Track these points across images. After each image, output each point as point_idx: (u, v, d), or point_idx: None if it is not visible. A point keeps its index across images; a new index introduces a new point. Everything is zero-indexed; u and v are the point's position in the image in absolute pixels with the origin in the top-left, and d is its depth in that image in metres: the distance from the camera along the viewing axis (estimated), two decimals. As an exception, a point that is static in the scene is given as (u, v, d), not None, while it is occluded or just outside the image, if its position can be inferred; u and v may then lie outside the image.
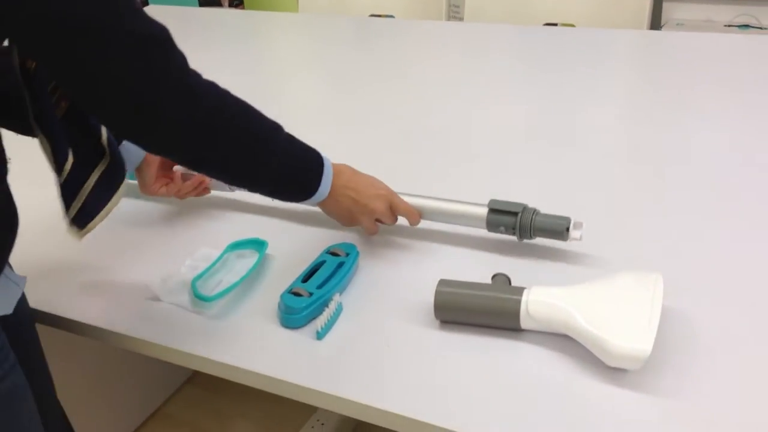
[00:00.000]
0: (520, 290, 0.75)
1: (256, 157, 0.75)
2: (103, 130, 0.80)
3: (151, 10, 2.02)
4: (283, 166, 0.78)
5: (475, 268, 0.85)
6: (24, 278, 0.77)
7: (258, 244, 0.91)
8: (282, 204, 1.00)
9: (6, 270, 0.73)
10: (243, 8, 2.47)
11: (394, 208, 0.88)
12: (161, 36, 0.64)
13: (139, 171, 0.94)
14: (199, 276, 0.85)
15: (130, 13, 0.61)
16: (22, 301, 0.77)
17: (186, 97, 0.66)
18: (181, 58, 0.66)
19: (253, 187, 0.79)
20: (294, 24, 1.87)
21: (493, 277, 0.81)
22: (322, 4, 1.96)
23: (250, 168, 0.75)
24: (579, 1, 1.83)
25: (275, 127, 0.77)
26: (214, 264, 0.87)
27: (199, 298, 0.82)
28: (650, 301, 0.71)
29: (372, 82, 1.43)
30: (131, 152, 0.89)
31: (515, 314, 0.73)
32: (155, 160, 0.94)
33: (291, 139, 0.79)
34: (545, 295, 0.74)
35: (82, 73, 0.60)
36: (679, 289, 0.78)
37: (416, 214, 0.89)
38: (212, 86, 0.70)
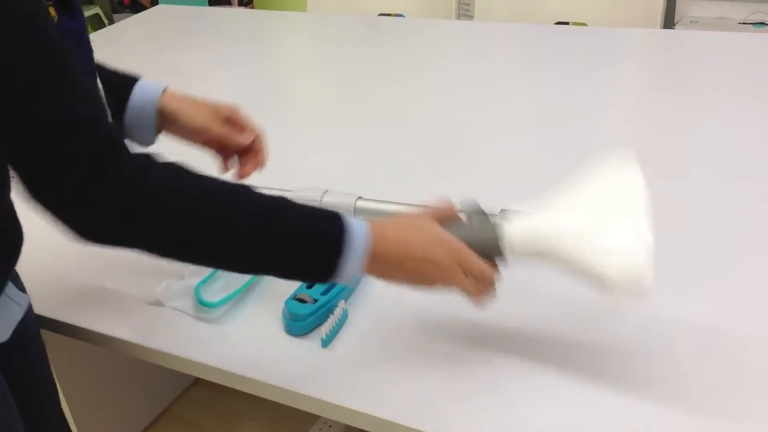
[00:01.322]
0: (500, 223, 0.69)
1: (244, 252, 0.61)
2: None
3: (161, 11, 2.02)
4: (282, 254, 0.62)
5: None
6: (27, 297, 0.75)
7: None
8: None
9: (8, 288, 0.71)
10: (252, 7, 2.46)
11: (467, 269, 0.67)
12: (84, 122, 0.56)
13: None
14: (203, 281, 0.84)
15: (56, 104, 0.54)
16: (27, 316, 0.75)
17: (139, 218, 0.57)
18: (103, 143, 0.57)
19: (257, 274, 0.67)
20: (303, 23, 1.86)
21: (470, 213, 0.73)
22: (331, 3, 1.95)
23: (244, 263, 0.63)
24: (589, 1, 1.81)
25: (267, 212, 0.62)
26: (217, 269, 0.86)
27: (202, 304, 0.81)
28: (639, 209, 0.65)
29: (381, 82, 1.41)
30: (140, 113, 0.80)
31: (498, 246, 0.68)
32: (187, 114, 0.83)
33: (291, 221, 0.62)
34: (528, 223, 0.68)
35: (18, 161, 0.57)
36: (697, 296, 0.77)
37: (490, 274, 0.68)
38: (170, 187, 0.59)
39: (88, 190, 0.56)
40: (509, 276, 0.73)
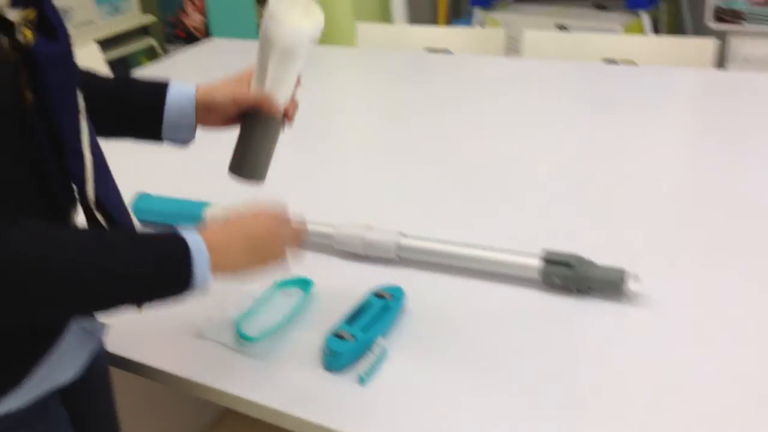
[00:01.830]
0: None
1: (97, 296, 0.61)
2: (87, 190, 0.70)
3: (214, 43, 2.07)
4: (136, 288, 0.62)
5: (526, 310, 0.82)
6: (104, 326, 0.75)
7: (303, 283, 0.90)
8: (327, 240, 0.98)
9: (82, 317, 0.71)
10: (302, 40, 2.50)
11: (283, 220, 0.75)
12: None
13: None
14: (244, 315, 0.85)
15: None
16: (99, 350, 0.75)
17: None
18: None
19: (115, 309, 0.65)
20: (352, 57, 1.88)
21: None
22: (379, 38, 1.97)
23: (97, 305, 0.62)
24: (640, 38, 1.79)
25: (110, 249, 0.61)
26: (258, 303, 0.87)
27: (243, 338, 0.81)
28: None
29: (427, 117, 1.42)
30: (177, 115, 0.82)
31: None
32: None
33: (139, 257, 0.62)
34: None
35: None
36: (751, 339, 0.74)
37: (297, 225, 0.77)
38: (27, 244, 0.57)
39: None
40: (560, 307, 0.72)
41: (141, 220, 1.09)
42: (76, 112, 0.66)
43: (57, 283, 0.58)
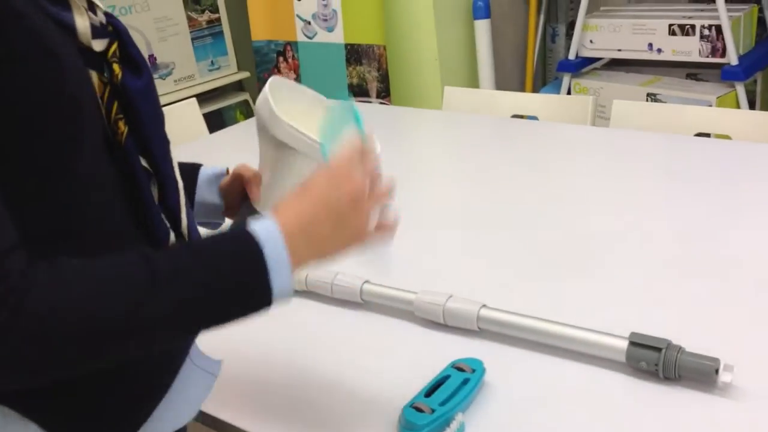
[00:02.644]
0: None
1: (157, 333, 0.55)
2: (182, 218, 0.70)
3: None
4: (207, 315, 0.57)
5: (609, 394, 0.80)
6: (219, 362, 0.74)
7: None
8: (407, 306, 0.98)
9: (194, 353, 0.71)
10: (389, 102, 2.56)
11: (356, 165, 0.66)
12: None
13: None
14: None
15: None
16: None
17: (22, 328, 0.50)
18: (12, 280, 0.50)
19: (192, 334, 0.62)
20: (436, 120, 1.91)
21: None
22: (465, 103, 1.99)
23: (163, 342, 0.57)
24: (735, 112, 1.75)
25: (167, 279, 0.55)
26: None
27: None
28: None
29: (510, 184, 1.41)
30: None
31: None
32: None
33: (203, 279, 0.56)
34: None
35: None
36: None
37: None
38: (54, 291, 0.51)
39: None
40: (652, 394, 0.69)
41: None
42: (167, 143, 0.69)
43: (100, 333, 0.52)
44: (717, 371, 0.78)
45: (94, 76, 0.61)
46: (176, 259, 0.56)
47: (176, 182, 0.69)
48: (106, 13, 0.65)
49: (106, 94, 0.62)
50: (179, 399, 0.69)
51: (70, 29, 0.60)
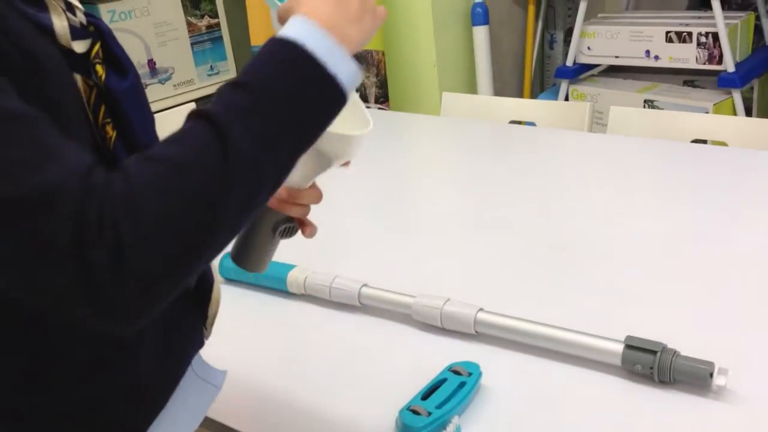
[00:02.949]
0: None
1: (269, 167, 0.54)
2: None
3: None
4: (295, 131, 0.56)
5: (605, 397, 0.80)
6: (224, 373, 0.73)
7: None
8: (405, 310, 0.99)
9: (197, 364, 0.69)
10: (388, 107, 2.57)
11: None
12: (53, 187, 0.47)
13: None
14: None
15: (11, 177, 0.47)
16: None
17: (129, 229, 0.47)
18: (91, 194, 0.48)
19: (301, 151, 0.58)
20: (435, 126, 1.92)
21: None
22: (462, 108, 2.00)
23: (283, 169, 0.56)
24: (731, 119, 1.76)
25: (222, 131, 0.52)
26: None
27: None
28: None
29: (509, 190, 1.42)
30: None
31: None
32: None
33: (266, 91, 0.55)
34: None
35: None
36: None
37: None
38: (148, 191, 0.49)
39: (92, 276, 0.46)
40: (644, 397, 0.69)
41: (226, 278, 1.13)
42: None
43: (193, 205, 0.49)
44: (711, 375, 0.79)
45: (78, 79, 0.59)
46: (228, 98, 0.54)
47: None
48: (87, 14, 0.62)
49: (93, 98, 0.60)
50: (180, 410, 0.67)
51: (49, 31, 0.57)
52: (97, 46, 0.61)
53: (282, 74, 0.55)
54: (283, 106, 0.54)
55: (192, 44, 2.89)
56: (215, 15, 2.96)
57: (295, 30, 0.57)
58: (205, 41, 2.94)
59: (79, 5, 0.61)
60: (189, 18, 2.87)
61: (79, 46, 0.60)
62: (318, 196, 0.75)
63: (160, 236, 0.48)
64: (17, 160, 0.47)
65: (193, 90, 2.85)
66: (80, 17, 0.61)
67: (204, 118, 0.52)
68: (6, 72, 0.51)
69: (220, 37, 2.99)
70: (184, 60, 2.84)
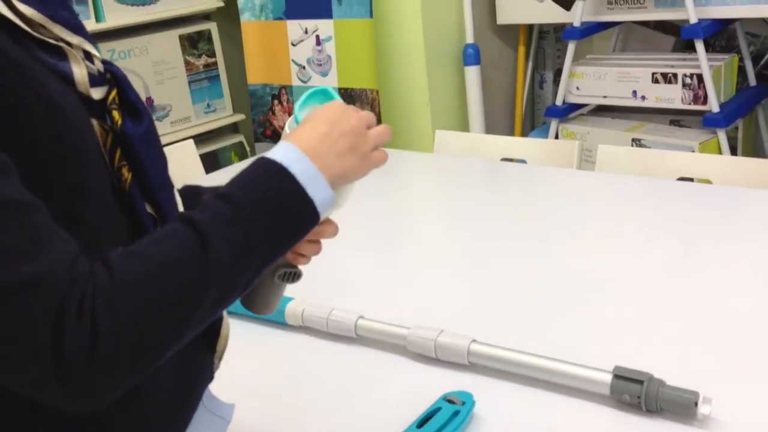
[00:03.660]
0: None
1: (231, 284, 0.58)
2: None
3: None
4: (263, 255, 0.60)
5: (595, 426, 0.83)
6: (232, 406, 0.75)
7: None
8: (400, 341, 1.02)
9: (207, 398, 0.71)
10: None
11: (357, 113, 0.71)
12: (34, 280, 0.50)
13: None
14: None
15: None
16: None
17: (99, 327, 0.51)
18: (62, 296, 0.50)
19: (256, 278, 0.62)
20: (428, 163, 1.97)
21: None
22: (455, 146, 2.05)
23: (241, 288, 0.60)
24: (716, 157, 1.81)
25: (225, 239, 0.57)
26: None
27: None
28: None
29: (501, 226, 1.46)
30: None
31: None
32: None
33: (251, 225, 0.59)
34: None
35: None
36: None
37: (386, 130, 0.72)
38: (122, 286, 0.53)
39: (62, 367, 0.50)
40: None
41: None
42: (171, 187, 0.70)
43: (171, 307, 0.54)
44: (696, 403, 0.82)
45: (95, 124, 0.62)
46: (213, 208, 0.58)
47: None
48: (104, 61, 0.65)
49: (109, 141, 0.63)
50: None
51: (69, 79, 0.60)
52: (113, 93, 0.64)
53: (264, 192, 0.60)
54: (261, 221, 0.59)
55: (189, 82, 2.95)
56: (212, 54, 3.02)
57: (282, 153, 0.63)
58: (202, 79, 3.00)
59: (97, 53, 0.64)
60: (187, 57, 2.93)
61: (97, 93, 0.63)
62: (335, 230, 0.79)
63: (133, 331, 0.52)
64: (8, 249, 0.50)
65: (190, 127, 2.90)
66: (98, 65, 0.64)
67: (189, 223, 0.57)
68: (28, 121, 0.55)
69: (217, 76, 3.05)
70: (182, 98, 2.89)
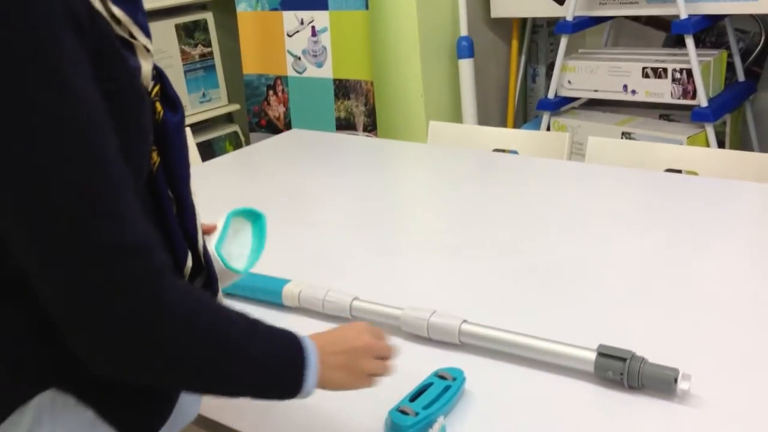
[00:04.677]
0: None
1: (231, 368, 0.67)
2: (199, 240, 0.79)
3: (294, 134, 2.22)
4: (262, 373, 0.70)
5: (579, 401, 0.87)
6: None
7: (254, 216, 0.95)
8: (394, 321, 1.05)
9: None
10: (376, 135, 2.65)
11: (378, 334, 0.82)
12: (136, 245, 0.60)
13: None
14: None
15: (111, 224, 0.59)
16: None
17: (151, 310, 0.61)
18: (155, 268, 0.61)
19: (231, 395, 0.71)
20: (421, 154, 2.00)
21: None
22: (449, 136, 2.09)
23: (224, 381, 0.68)
24: (703, 150, 1.85)
25: (248, 330, 0.70)
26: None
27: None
28: None
29: (492, 213, 1.50)
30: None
31: None
32: None
33: (267, 338, 0.71)
34: None
35: (45, 272, 0.59)
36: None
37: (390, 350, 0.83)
38: (185, 297, 0.64)
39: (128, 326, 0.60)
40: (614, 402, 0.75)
41: (224, 293, 1.19)
42: (189, 172, 0.77)
43: (198, 344, 0.64)
44: (676, 380, 0.86)
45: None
46: (257, 323, 0.71)
47: (194, 207, 0.77)
48: None
49: None
50: (184, 399, 0.76)
51: (137, 72, 0.67)
52: (157, 87, 0.71)
53: (280, 351, 0.72)
54: (258, 365, 0.69)
55: (185, 72, 2.97)
56: (208, 44, 3.04)
57: (311, 345, 0.74)
58: (198, 69, 3.02)
59: (152, 51, 0.71)
60: (183, 46, 2.95)
61: (150, 86, 0.71)
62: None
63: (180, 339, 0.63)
64: (116, 213, 0.59)
65: (185, 116, 2.93)
66: (152, 62, 0.71)
67: (240, 315, 0.70)
68: (124, 103, 0.64)
69: (213, 66, 3.07)
70: (177, 87, 2.91)
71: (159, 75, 0.72)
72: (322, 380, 0.74)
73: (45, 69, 0.56)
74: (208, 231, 0.90)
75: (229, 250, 0.90)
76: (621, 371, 0.88)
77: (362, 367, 0.78)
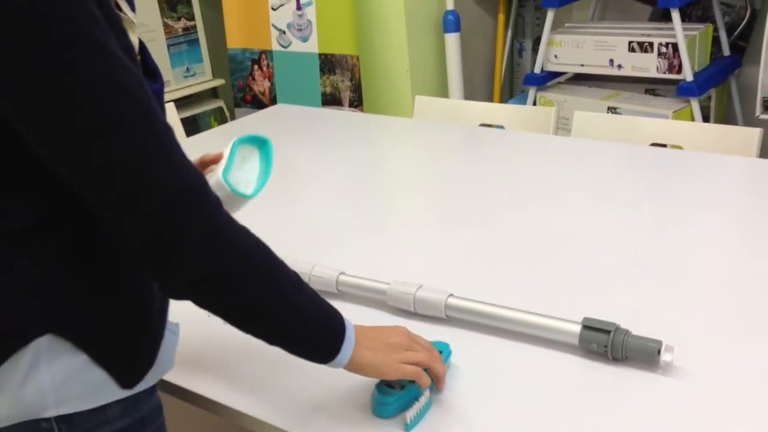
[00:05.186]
0: None
1: (276, 310, 0.74)
2: None
3: (279, 109, 2.21)
4: (302, 325, 0.76)
5: (563, 373, 0.88)
6: (177, 324, 0.85)
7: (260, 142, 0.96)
8: (381, 296, 1.06)
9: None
10: (362, 110, 2.63)
11: (415, 339, 0.86)
12: (196, 187, 0.68)
13: None
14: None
15: (171, 170, 0.66)
16: None
17: (214, 244, 0.68)
18: (213, 206, 0.69)
19: (270, 340, 0.77)
20: (407, 128, 1.99)
21: None
22: (434, 111, 2.08)
23: (268, 321, 0.74)
24: (688, 124, 1.86)
25: (298, 284, 0.76)
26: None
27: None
28: None
29: (478, 188, 1.50)
30: None
31: None
32: None
33: (314, 299, 0.78)
34: None
35: (118, 220, 0.66)
36: (771, 423, 0.78)
37: (435, 356, 0.86)
38: (242, 234, 0.72)
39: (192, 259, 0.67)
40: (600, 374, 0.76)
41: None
42: None
43: (251, 276, 0.71)
44: (659, 352, 0.87)
45: None
46: (308, 287, 0.78)
47: None
48: None
49: None
50: (166, 348, 0.81)
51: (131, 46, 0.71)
52: (139, 57, 0.74)
53: (326, 319, 0.78)
54: (311, 322, 0.77)
55: (168, 46, 2.93)
56: (192, 17, 3.00)
57: (350, 323, 0.80)
58: (181, 43, 2.98)
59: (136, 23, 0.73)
60: (166, 20, 2.91)
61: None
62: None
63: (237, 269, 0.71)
64: (177, 160, 0.67)
65: (169, 91, 2.89)
66: (137, 35, 0.74)
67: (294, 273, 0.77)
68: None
69: (197, 40, 3.03)
70: (161, 61, 2.88)
71: (141, 46, 0.75)
72: (356, 356, 0.78)
73: (90, 43, 0.61)
74: (215, 160, 0.93)
75: (237, 177, 0.91)
76: (605, 344, 0.89)
77: (395, 355, 0.81)
